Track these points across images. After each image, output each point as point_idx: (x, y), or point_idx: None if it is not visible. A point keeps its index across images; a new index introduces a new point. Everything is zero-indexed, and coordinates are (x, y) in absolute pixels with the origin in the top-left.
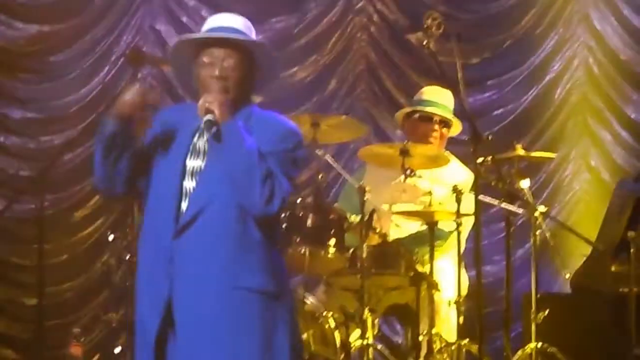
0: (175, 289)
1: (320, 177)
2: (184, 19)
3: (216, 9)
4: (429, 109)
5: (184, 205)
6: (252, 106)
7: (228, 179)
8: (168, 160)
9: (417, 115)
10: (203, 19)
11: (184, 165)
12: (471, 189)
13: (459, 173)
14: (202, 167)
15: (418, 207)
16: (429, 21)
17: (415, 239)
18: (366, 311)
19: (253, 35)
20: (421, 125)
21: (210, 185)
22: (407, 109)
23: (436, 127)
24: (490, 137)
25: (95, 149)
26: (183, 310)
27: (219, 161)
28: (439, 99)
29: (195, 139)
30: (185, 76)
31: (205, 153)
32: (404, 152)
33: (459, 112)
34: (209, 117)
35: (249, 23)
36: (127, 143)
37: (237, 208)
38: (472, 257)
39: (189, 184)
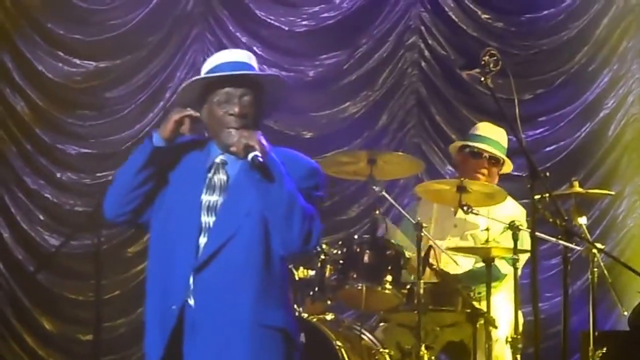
0: (192, 325)
1: (376, 213)
2: None
3: (268, 44)
4: (479, 145)
5: (202, 240)
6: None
7: (259, 214)
8: (182, 195)
9: (467, 149)
10: (256, 55)
11: (200, 200)
12: (528, 226)
13: (511, 209)
14: (220, 202)
15: (469, 243)
16: (487, 58)
17: (471, 276)
18: (423, 348)
19: (255, 65)
20: (471, 160)
21: (233, 220)
22: (460, 142)
23: (485, 163)
24: (547, 174)
25: (128, 163)
26: (200, 346)
27: (258, 197)
28: (491, 135)
29: (211, 174)
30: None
31: (222, 188)
32: (461, 189)
33: (514, 148)
34: (255, 153)
35: (251, 54)
36: (164, 164)
37: (263, 243)
38: (526, 293)
39: (207, 219)
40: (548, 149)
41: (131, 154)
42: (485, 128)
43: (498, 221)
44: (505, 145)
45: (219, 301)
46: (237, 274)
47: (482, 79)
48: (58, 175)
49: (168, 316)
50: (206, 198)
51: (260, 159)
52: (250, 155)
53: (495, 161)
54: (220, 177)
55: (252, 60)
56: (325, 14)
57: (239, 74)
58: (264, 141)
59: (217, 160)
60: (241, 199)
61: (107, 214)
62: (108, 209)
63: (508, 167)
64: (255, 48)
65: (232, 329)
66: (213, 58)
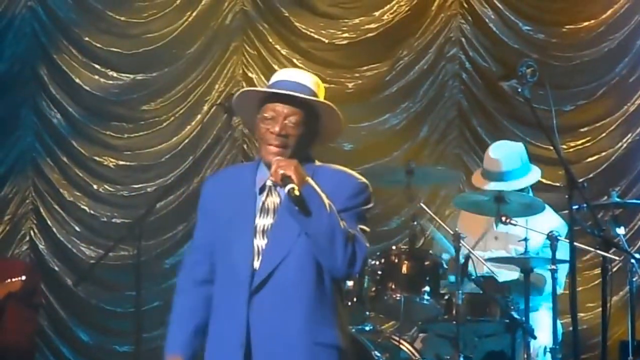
0: (253, 346)
1: (415, 224)
2: (276, 67)
3: (308, 56)
4: (486, 188)
5: (257, 263)
6: (312, 161)
7: (305, 238)
8: (236, 221)
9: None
10: (295, 67)
11: (255, 225)
12: (566, 236)
13: (552, 220)
14: (272, 224)
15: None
16: (524, 68)
17: (517, 285)
18: (461, 358)
19: (320, 91)
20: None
21: (284, 241)
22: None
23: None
24: (585, 185)
25: None
26: None
27: (298, 225)
28: (500, 167)
29: (264, 197)
30: (250, 125)
31: (275, 211)
32: (499, 200)
33: (553, 159)
34: (291, 186)
35: (317, 79)
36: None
37: (315, 263)
38: (567, 304)
39: (260, 242)
40: (589, 159)
41: None
42: (490, 163)
43: (537, 232)
44: (518, 162)
45: (274, 320)
46: (290, 293)
47: (519, 89)
48: (95, 187)
49: (232, 337)
50: (260, 222)
51: (297, 193)
52: (286, 188)
53: None
54: (273, 200)
55: (314, 85)
56: (366, 26)
57: (286, 93)
58: (301, 170)
59: (269, 183)
60: (292, 220)
61: None
62: None
63: (534, 177)
64: (295, 60)
65: (287, 347)
66: (278, 73)
